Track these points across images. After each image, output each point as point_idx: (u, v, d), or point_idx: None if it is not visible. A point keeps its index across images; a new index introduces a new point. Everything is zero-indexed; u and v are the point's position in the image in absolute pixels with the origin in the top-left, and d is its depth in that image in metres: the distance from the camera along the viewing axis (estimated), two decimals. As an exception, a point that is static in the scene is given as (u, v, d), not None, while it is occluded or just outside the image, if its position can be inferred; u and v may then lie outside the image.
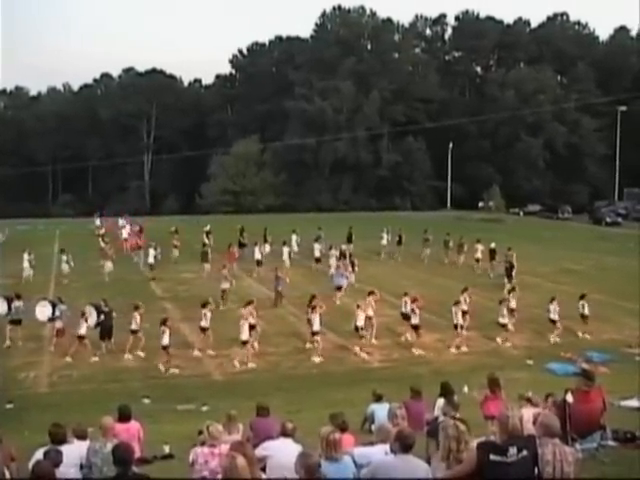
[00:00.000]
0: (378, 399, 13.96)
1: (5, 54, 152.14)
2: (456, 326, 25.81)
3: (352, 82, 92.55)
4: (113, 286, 35.36)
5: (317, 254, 41.58)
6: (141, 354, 24.34)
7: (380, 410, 12.78)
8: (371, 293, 27.09)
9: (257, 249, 40.01)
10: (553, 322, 26.87)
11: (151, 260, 39.20)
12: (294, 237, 43.98)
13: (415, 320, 25.89)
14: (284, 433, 9.83)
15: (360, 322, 25.35)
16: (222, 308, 29.80)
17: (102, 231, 44.05)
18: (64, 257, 37.93)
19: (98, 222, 56.52)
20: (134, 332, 24.39)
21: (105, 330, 24.94)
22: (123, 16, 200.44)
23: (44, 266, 39.62)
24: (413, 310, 25.94)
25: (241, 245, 43.54)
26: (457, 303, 26.15)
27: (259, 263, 39.39)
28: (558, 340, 26.56)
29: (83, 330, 23.89)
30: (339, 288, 33.49)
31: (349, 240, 45.03)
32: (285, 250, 40.42)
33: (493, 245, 41.69)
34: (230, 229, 48.37)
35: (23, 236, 53.51)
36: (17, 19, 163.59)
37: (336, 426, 9.73)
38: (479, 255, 41.79)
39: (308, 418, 15.36)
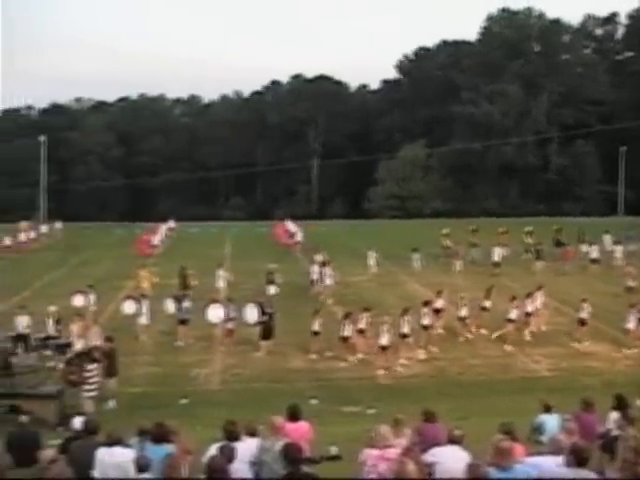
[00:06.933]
0: (547, 410, 13.57)
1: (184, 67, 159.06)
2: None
3: (519, 85, 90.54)
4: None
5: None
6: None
7: (550, 421, 12.52)
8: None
9: (593, 248, 41.50)
10: None
11: (496, 258, 40.51)
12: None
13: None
14: (452, 440, 9.76)
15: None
16: None
17: (446, 231, 46.02)
18: (416, 255, 40.97)
19: None
20: (405, 336, 24.74)
21: (267, 330, 25.55)
22: (293, 24, 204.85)
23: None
24: None
25: (559, 244, 44.43)
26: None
27: (594, 261, 40.97)
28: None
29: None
30: None
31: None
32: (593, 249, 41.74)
33: None
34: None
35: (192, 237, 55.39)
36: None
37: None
38: None
39: (475, 425, 15.15)
